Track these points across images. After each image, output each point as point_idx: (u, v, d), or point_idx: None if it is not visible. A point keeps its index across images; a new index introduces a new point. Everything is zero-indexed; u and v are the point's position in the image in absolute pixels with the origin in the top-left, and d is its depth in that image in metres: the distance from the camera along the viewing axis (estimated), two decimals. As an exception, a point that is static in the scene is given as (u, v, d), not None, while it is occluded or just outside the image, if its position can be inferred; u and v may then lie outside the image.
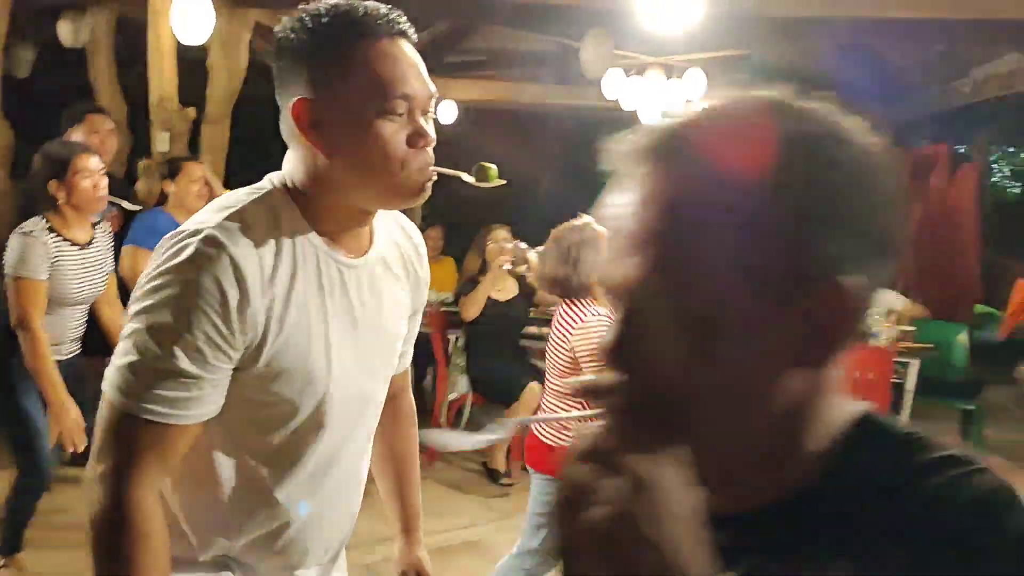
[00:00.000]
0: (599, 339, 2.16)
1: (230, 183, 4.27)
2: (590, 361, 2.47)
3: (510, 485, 4.56)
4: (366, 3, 1.13)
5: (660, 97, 7.03)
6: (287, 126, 1.15)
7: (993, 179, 13.71)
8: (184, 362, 1.06)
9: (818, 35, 6.89)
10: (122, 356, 1.09)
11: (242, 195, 1.17)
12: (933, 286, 7.00)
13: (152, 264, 1.10)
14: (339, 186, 1.14)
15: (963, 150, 11.33)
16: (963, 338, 5.44)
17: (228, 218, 1.10)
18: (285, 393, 1.16)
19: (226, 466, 1.21)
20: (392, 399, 1.48)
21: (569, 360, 2.56)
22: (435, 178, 1.18)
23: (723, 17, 5.64)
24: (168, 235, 1.12)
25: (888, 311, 5.25)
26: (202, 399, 1.10)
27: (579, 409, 2.62)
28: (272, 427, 1.19)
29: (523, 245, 7.06)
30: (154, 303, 1.06)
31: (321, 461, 1.25)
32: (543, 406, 2.77)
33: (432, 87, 1.16)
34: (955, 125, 9.30)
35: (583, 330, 2.53)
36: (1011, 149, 13.81)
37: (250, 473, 1.21)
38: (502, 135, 10.02)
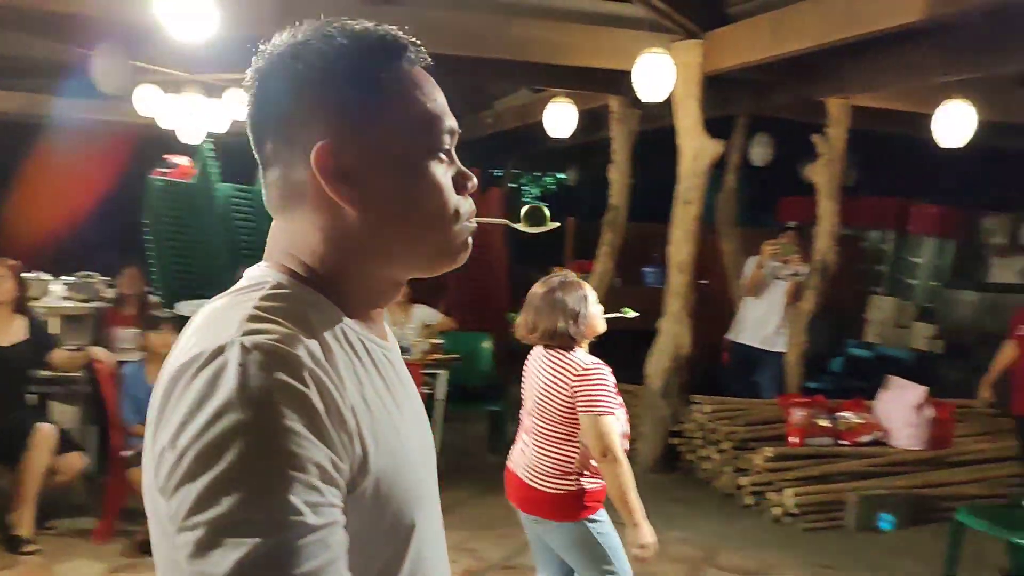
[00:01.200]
0: (603, 383, 2.60)
1: None
2: (589, 404, 2.62)
3: (33, 553, 4.00)
4: (378, 25, 0.89)
5: (202, 116, 6.77)
6: (292, 183, 0.87)
7: (524, 199, 15.45)
8: (312, 517, 0.72)
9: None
10: (222, 558, 0.70)
11: (236, 297, 0.86)
12: (469, 299, 7.64)
13: (175, 416, 0.75)
14: (376, 251, 0.89)
15: (500, 174, 12.56)
16: (487, 345, 5.99)
17: (249, 320, 0.79)
18: (398, 507, 0.87)
19: None
20: None
21: (569, 405, 2.66)
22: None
23: (251, 37, 5.57)
24: (170, 376, 0.78)
25: (423, 325, 5.59)
26: (340, 559, 0.75)
27: (575, 451, 2.55)
28: (397, 555, 0.88)
29: (45, 276, 6.35)
30: (230, 463, 0.71)
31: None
32: (523, 450, 2.80)
33: None
34: (487, 151, 10.24)
35: (584, 376, 2.65)
36: (538, 173, 15.68)
37: None
38: (27, 152, 8.92)
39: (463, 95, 9.25)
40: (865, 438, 5.49)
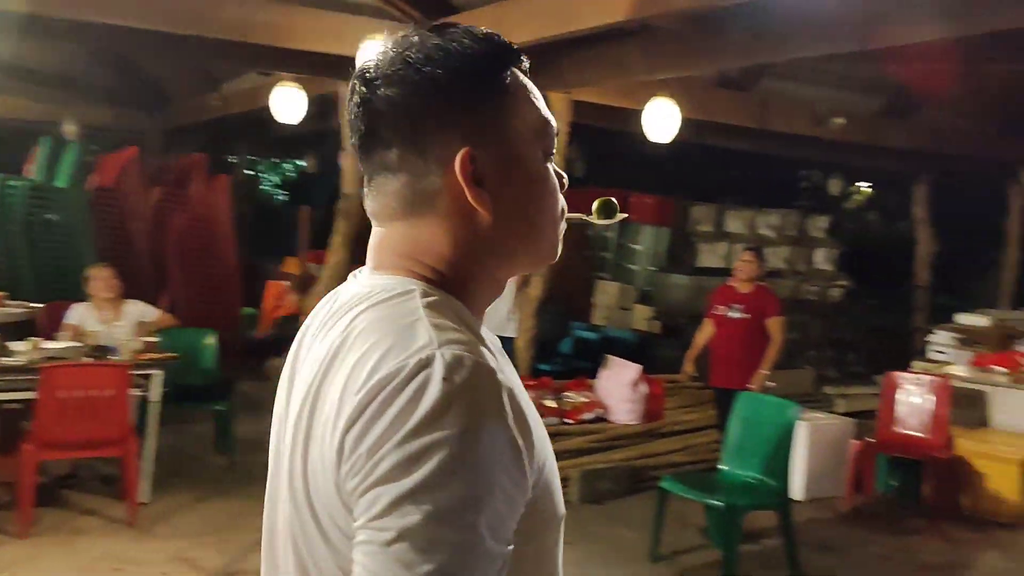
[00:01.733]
0: None
1: None
2: None
3: None
4: (488, 30, 0.90)
5: None
6: (421, 190, 0.87)
7: (263, 187, 14.88)
8: (491, 543, 0.74)
9: (67, 36, 6.45)
10: (400, 570, 0.71)
11: (394, 305, 0.84)
12: (197, 293, 7.21)
13: (378, 425, 0.74)
14: (502, 253, 0.91)
15: (235, 159, 11.98)
16: (211, 341, 5.67)
17: (436, 329, 0.79)
18: (555, 499, 0.90)
19: None
20: None
21: None
22: None
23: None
24: (371, 387, 0.76)
25: (138, 323, 5.18)
26: None
27: None
28: (555, 545, 0.93)
29: None
30: (427, 476, 0.72)
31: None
32: None
33: None
34: (218, 136, 9.71)
35: None
36: (276, 160, 15.15)
37: None
38: None
39: (187, 76, 8.72)
40: (588, 416, 5.81)
